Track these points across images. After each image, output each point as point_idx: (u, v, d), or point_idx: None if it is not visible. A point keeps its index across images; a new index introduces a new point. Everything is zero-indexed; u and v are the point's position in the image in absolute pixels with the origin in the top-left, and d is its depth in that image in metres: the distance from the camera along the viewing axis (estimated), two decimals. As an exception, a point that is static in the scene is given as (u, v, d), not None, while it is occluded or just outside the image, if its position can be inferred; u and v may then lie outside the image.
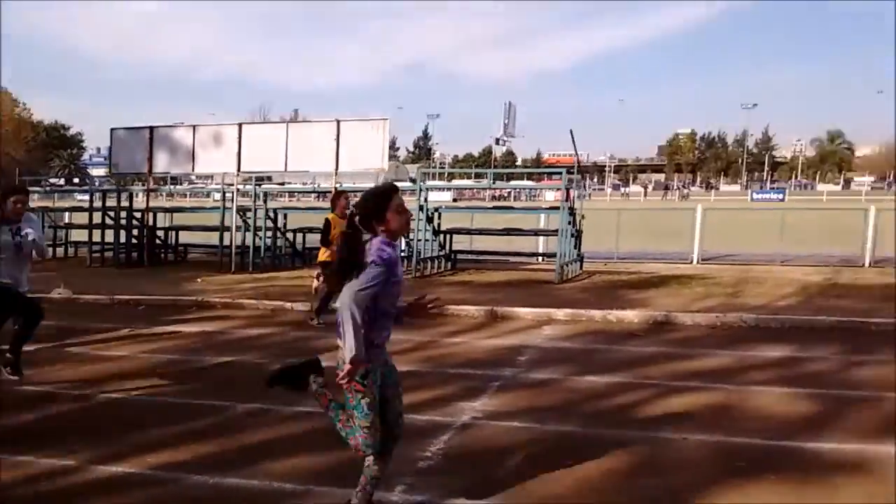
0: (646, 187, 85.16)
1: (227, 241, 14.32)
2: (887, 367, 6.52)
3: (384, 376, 3.47)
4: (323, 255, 8.74)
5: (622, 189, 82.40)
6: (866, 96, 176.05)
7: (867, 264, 13.25)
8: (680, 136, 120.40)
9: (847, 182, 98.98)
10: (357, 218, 3.46)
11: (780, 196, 59.62)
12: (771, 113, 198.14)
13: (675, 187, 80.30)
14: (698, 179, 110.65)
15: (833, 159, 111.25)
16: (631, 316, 8.76)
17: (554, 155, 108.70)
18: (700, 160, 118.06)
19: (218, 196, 15.50)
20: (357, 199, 3.73)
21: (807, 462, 4.34)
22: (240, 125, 14.24)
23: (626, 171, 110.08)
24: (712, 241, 14.95)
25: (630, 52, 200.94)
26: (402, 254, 12.03)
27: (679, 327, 8.45)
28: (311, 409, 5.39)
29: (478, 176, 58.94)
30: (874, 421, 5.04)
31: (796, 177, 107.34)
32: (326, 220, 8.86)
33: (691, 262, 14.15)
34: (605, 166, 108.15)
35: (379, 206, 3.45)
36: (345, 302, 3.23)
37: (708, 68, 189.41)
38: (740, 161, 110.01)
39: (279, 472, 4.25)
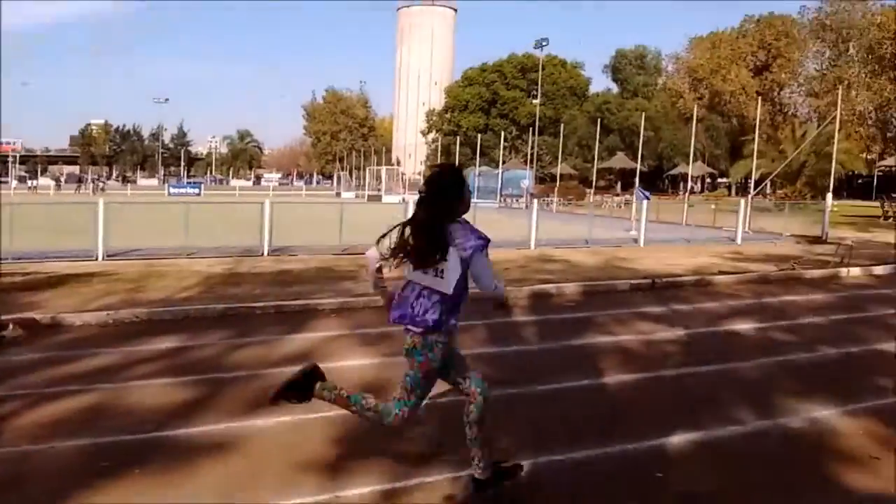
0: (58, 180, 78.68)
1: None
2: (265, 346, 7.21)
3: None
4: None
5: (30, 182, 74.06)
6: (273, 99, 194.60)
7: (265, 253, 14.49)
8: (93, 127, 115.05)
9: (258, 178, 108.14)
10: (438, 199, 3.32)
11: (197, 191, 61.57)
12: (185, 109, 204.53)
13: (89, 180, 75.90)
14: (115, 172, 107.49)
15: (244, 157, 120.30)
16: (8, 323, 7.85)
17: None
18: (116, 153, 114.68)
19: None
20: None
21: (173, 449, 4.46)
22: None
23: (35, 163, 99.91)
24: (122, 236, 14.49)
25: (44, 34, 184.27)
26: None
27: (68, 329, 7.91)
28: None
29: None
30: (245, 399, 5.47)
31: (211, 172, 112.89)
32: None
33: (97, 259, 13.50)
34: (8, 156, 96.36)
35: (462, 181, 3.42)
36: (492, 282, 3.37)
37: (118, 59, 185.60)
38: (157, 155, 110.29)
39: None
